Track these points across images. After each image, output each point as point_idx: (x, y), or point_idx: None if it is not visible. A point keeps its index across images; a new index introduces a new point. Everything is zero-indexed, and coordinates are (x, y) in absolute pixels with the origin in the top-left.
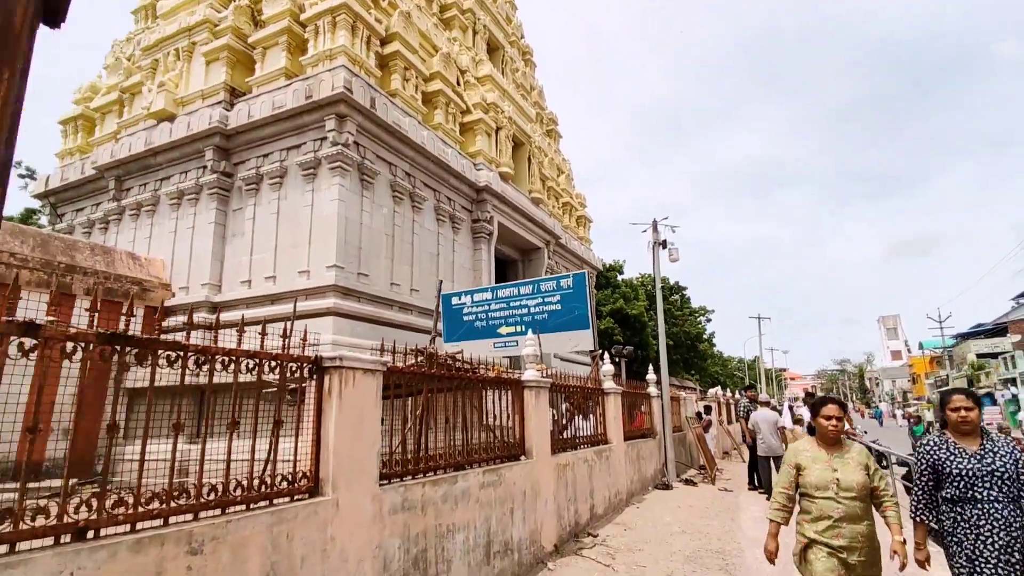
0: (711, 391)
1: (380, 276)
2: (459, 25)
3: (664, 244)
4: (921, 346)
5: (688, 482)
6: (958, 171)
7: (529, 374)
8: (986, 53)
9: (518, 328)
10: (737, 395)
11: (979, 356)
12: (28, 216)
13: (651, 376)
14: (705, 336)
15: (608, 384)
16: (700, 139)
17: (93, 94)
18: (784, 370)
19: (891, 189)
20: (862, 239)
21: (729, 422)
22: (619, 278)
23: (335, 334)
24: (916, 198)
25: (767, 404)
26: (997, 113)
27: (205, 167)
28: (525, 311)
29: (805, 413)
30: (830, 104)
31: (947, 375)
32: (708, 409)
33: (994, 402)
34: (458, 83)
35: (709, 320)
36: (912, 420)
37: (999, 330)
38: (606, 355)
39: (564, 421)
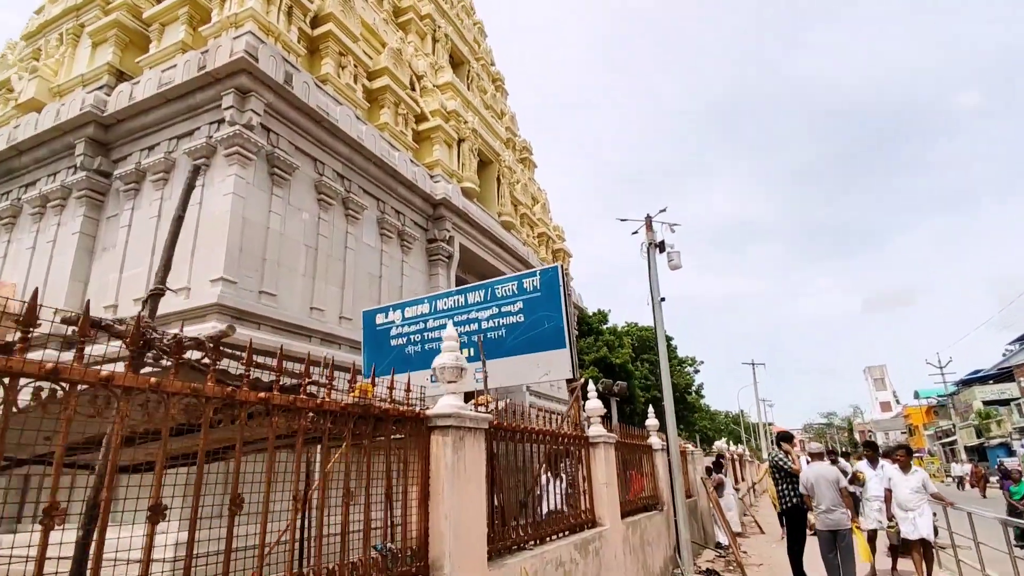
0: (717, 444)
1: (295, 298)
2: (416, 31)
3: (661, 246)
4: (917, 395)
5: (710, 574)
6: (924, 227)
7: (445, 404)
8: (945, 107)
9: (465, 353)
10: (737, 448)
11: (986, 403)
12: None
13: (652, 422)
14: (694, 387)
15: (596, 430)
16: (669, 196)
17: None
18: (771, 424)
19: (858, 245)
20: (836, 293)
21: (736, 481)
22: (603, 327)
23: None
24: (884, 254)
25: (821, 456)
26: (957, 169)
27: (76, 166)
28: (474, 327)
29: (865, 469)
30: (791, 163)
31: (953, 424)
32: (719, 465)
33: (1011, 452)
34: (413, 88)
35: (697, 371)
36: (1006, 477)
37: (1004, 375)
38: (592, 387)
39: (525, 493)
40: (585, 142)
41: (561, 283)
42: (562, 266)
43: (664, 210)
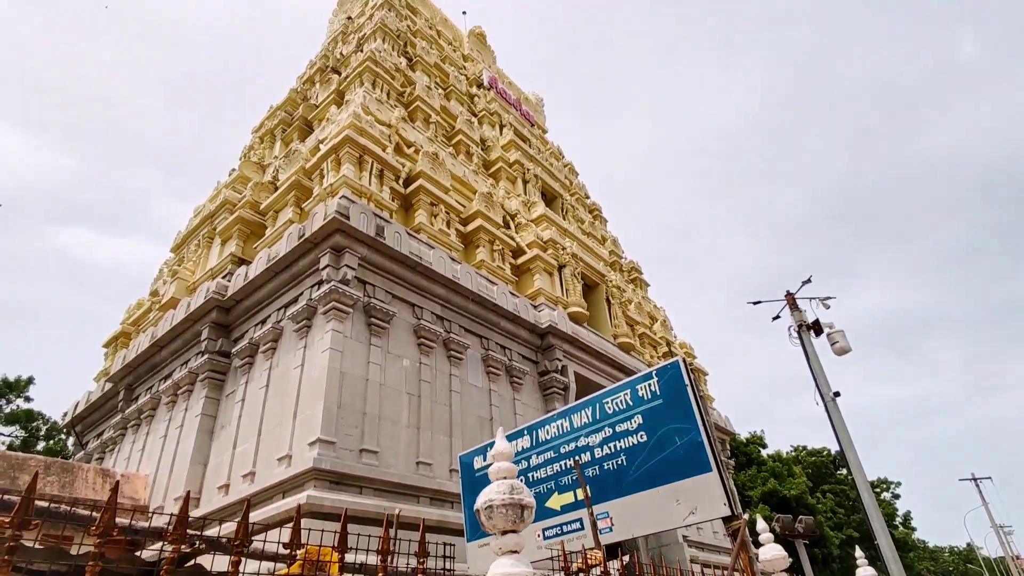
0: None
1: (399, 453)
2: (507, 176)
3: (817, 328)
4: None
5: None
6: None
7: (497, 572)
8: None
9: (577, 493)
10: None
11: None
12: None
13: (867, 572)
14: (899, 518)
15: None
16: (805, 304)
17: (138, 310)
18: (1018, 556)
19: None
20: None
21: None
22: (762, 453)
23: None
24: None
25: None
26: None
27: (201, 351)
28: (587, 456)
29: None
30: (946, 243)
31: None
32: None
33: None
34: (507, 226)
35: (896, 496)
36: None
37: None
38: (762, 526)
39: None
40: (699, 263)
41: (689, 381)
42: (686, 359)
43: (808, 281)
